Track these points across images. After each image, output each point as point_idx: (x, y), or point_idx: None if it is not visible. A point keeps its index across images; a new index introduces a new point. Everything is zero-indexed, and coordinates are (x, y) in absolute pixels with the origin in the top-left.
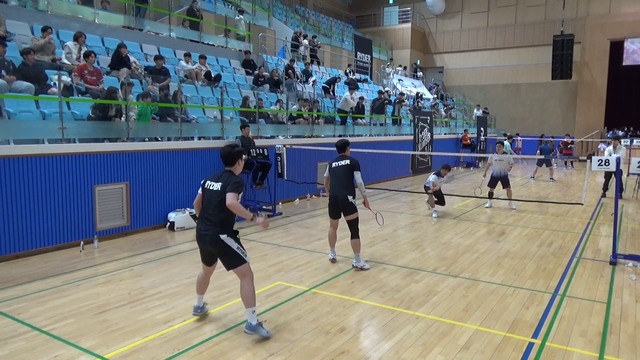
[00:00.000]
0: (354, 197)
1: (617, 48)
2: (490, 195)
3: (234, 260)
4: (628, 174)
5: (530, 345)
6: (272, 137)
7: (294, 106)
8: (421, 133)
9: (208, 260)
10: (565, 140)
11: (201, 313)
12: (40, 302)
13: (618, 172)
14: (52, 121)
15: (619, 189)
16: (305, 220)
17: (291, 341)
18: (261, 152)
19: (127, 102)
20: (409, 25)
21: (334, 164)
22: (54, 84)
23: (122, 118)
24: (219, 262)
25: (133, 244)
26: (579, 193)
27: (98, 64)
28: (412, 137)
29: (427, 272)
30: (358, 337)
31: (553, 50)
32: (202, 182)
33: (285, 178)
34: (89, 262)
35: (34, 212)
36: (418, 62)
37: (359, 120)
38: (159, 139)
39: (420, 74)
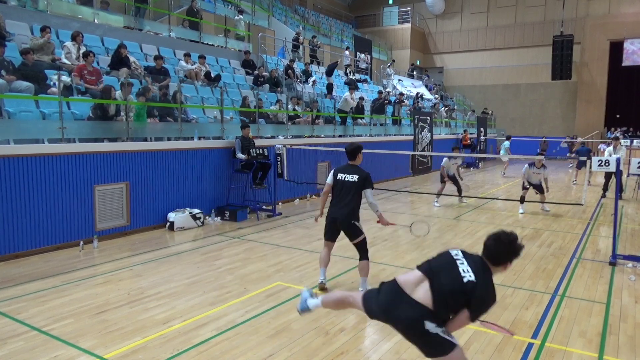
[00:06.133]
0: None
1: (616, 48)
2: (522, 200)
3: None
4: (628, 175)
5: (530, 345)
6: (272, 137)
7: (290, 105)
8: (421, 133)
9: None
10: (577, 140)
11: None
12: (40, 302)
13: (618, 173)
14: (52, 121)
15: (619, 189)
16: (305, 221)
17: (291, 341)
18: (261, 152)
19: (126, 102)
20: (408, 25)
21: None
22: (54, 84)
23: (122, 116)
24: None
25: (133, 244)
26: (579, 193)
27: (98, 64)
28: (412, 137)
29: None
30: (358, 337)
31: (553, 51)
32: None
33: (285, 178)
34: (88, 262)
35: (34, 212)
36: (418, 62)
37: (359, 121)
38: (149, 139)
39: (424, 76)
